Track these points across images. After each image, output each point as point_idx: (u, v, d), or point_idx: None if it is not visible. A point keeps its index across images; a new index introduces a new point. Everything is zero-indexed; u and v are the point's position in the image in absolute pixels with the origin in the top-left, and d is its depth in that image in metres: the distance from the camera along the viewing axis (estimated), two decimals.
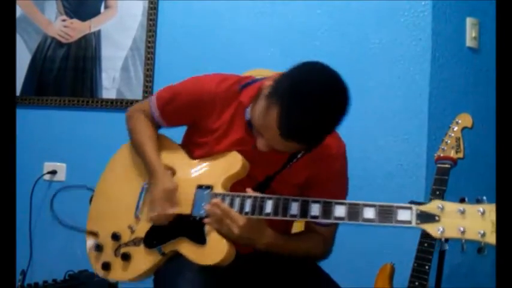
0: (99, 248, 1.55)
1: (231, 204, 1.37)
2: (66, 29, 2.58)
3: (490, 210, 1.10)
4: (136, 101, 2.44)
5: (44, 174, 2.55)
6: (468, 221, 1.11)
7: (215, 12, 2.36)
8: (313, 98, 1.23)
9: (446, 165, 1.61)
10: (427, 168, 2.02)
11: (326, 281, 1.49)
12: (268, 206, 1.33)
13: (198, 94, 1.50)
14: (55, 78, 2.59)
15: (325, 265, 1.57)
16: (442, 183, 1.59)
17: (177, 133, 1.63)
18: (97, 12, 2.54)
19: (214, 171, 1.46)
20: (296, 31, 2.24)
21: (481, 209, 1.11)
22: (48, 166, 2.56)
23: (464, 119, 1.65)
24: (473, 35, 2.20)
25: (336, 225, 1.53)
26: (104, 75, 2.51)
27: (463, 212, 1.12)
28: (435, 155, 1.66)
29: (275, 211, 1.32)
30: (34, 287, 2.00)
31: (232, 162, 1.44)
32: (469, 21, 2.18)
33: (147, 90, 2.43)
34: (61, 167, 2.55)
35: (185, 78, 1.58)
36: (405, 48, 2.09)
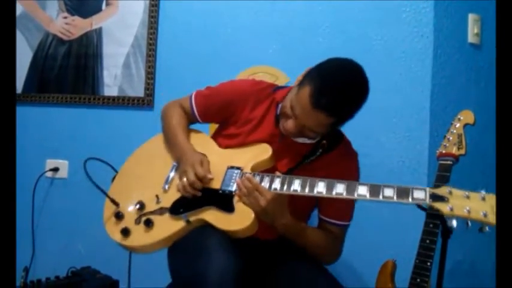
0: (119, 215, 1.56)
1: (261, 181, 1.46)
2: (67, 26, 2.58)
3: (489, 197, 1.26)
4: (138, 98, 2.44)
5: (46, 172, 2.55)
6: (473, 203, 1.26)
7: (216, 10, 2.35)
8: (340, 78, 1.42)
9: (448, 162, 1.61)
10: (429, 164, 2.01)
11: (331, 279, 1.51)
12: (297, 183, 1.42)
13: (235, 91, 1.63)
14: (57, 76, 2.60)
15: None
16: (444, 179, 1.58)
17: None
18: (98, 10, 2.53)
19: (244, 156, 1.55)
20: (297, 28, 2.24)
21: (482, 195, 1.26)
22: (50, 163, 2.56)
23: (466, 116, 1.64)
24: (475, 31, 2.19)
25: (347, 227, 1.61)
26: (105, 73, 2.51)
27: (468, 197, 1.27)
28: (437, 151, 1.65)
29: (303, 187, 1.41)
30: (37, 283, 2.00)
31: (262, 151, 1.55)
32: (471, 17, 2.18)
33: (149, 88, 2.43)
34: (63, 164, 2.56)
35: (221, 82, 1.70)
36: (407, 44, 2.08)
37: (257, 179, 1.47)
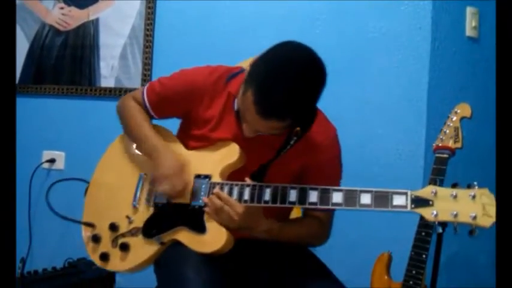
0: (96, 239, 1.55)
1: (230, 193, 1.39)
2: (64, 17, 2.56)
3: (480, 194, 1.15)
4: (135, 89, 2.42)
5: (43, 163, 2.55)
6: (460, 205, 1.16)
7: (214, 1, 2.34)
8: (284, 72, 1.25)
9: (445, 155, 1.62)
10: (425, 157, 2.02)
11: (323, 270, 1.50)
12: (267, 194, 1.35)
13: (187, 87, 1.51)
14: (53, 67, 2.58)
15: (323, 254, 1.58)
16: (440, 172, 1.59)
17: (170, 126, 1.64)
18: (95, 0, 2.52)
19: (211, 160, 1.47)
20: (295, 19, 2.23)
21: (472, 193, 1.16)
22: (47, 154, 2.56)
23: (463, 109, 1.65)
24: (473, 24, 2.19)
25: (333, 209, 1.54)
26: (102, 64, 2.50)
27: (455, 197, 1.17)
28: (433, 144, 1.66)
29: (274, 199, 1.34)
30: (34, 274, 2.00)
31: (230, 152, 1.46)
32: (469, 10, 2.17)
33: (146, 79, 2.42)
34: (60, 156, 2.55)
35: (176, 71, 1.59)
36: (405, 37, 2.08)
37: (225, 190, 1.39)
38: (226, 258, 1.41)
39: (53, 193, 2.52)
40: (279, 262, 1.49)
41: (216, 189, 1.40)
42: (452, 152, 1.62)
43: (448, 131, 1.64)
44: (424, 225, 1.61)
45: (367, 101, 2.11)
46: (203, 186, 1.44)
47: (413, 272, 1.61)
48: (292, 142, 1.43)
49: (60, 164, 2.55)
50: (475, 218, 1.14)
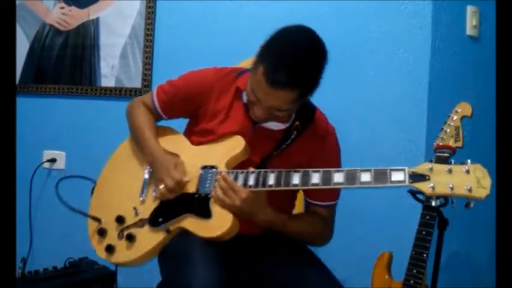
0: (102, 232, 1.56)
1: (236, 179, 1.43)
2: (64, 16, 2.57)
3: (474, 168, 1.20)
4: (135, 89, 2.43)
5: (44, 162, 2.55)
6: (456, 178, 1.20)
7: (214, 1, 2.34)
8: (290, 47, 1.37)
9: (445, 154, 1.61)
10: (426, 157, 2.02)
11: (323, 270, 1.50)
12: (271, 178, 1.39)
13: (197, 86, 1.57)
14: (53, 67, 2.58)
15: (324, 253, 1.59)
16: None
17: (176, 126, 1.65)
18: (95, 0, 2.52)
19: (217, 153, 1.51)
20: (296, 19, 2.21)
21: (466, 167, 1.21)
22: (48, 154, 2.56)
23: (464, 108, 1.64)
24: (474, 23, 2.19)
25: (335, 206, 1.58)
26: (102, 63, 2.50)
27: (450, 171, 1.22)
28: (434, 143, 1.65)
29: (277, 182, 1.38)
30: (35, 274, 2.00)
31: (235, 144, 1.50)
32: (469, 9, 2.17)
33: (146, 78, 2.42)
34: (60, 155, 2.56)
35: (184, 72, 1.63)
36: (405, 36, 2.08)
37: (231, 177, 1.43)
38: (229, 251, 1.43)
39: (56, 191, 2.53)
40: (277, 256, 1.51)
41: (223, 173, 1.44)
42: (453, 151, 1.61)
43: (448, 130, 1.63)
44: (425, 224, 1.61)
45: (368, 101, 2.11)
46: (209, 175, 1.48)
47: (414, 271, 1.61)
48: (293, 136, 1.49)
49: (60, 164, 2.55)
50: (470, 190, 1.17)
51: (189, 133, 1.62)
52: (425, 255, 1.60)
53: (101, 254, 1.56)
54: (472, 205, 1.18)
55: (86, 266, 2.08)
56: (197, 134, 1.58)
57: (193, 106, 1.57)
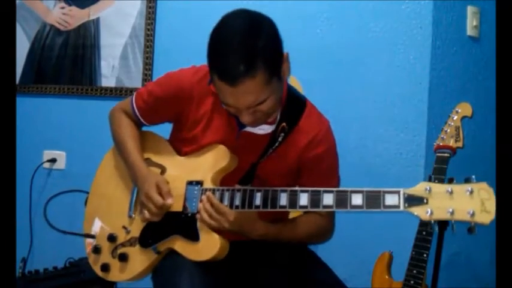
0: (97, 250, 1.57)
1: (221, 199, 1.38)
2: (64, 16, 2.57)
3: (478, 188, 1.08)
4: (136, 89, 2.42)
5: (44, 163, 2.55)
6: (457, 202, 1.09)
7: (214, 0, 2.34)
8: (224, 39, 1.29)
9: (446, 154, 1.61)
10: (426, 157, 2.02)
11: (322, 267, 1.50)
12: (258, 199, 1.34)
13: (174, 90, 1.50)
14: (54, 67, 2.59)
15: (323, 253, 1.58)
16: (441, 172, 1.59)
17: (163, 131, 1.64)
18: (96, 0, 2.52)
19: (203, 166, 1.46)
20: (296, 19, 2.23)
21: (469, 188, 1.09)
22: (48, 154, 2.56)
23: (464, 108, 1.64)
24: (474, 23, 2.18)
25: None
26: (103, 63, 2.50)
27: (451, 193, 1.11)
28: (434, 144, 1.65)
29: (264, 203, 1.34)
30: (35, 274, 2.01)
31: (220, 157, 1.45)
32: (470, 9, 2.17)
33: (147, 79, 2.42)
34: (60, 155, 2.56)
35: (163, 74, 1.59)
36: (405, 36, 2.08)
37: (217, 196, 1.38)
38: (223, 262, 1.41)
39: (54, 191, 2.53)
40: (277, 261, 1.49)
41: (208, 193, 1.39)
42: (453, 151, 1.62)
43: (449, 131, 1.63)
44: (425, 224, 1.61)
45: (368, 100, 2.10)
46: (195, 192, 1.43)
47: (414, 271, 1.61)
48: (280, 139, 1.43)
49: (61, 164, 2.55)
50: (473, 214, 1.07)
51: (173, 139, 1.58)
52: (425, 255, 1.60)
53: (98, 273, 1.57)
54: (475, 231, 1.08)
55: (86, 266, 2.07)
56: (182, 142, 1.53)
57: (173, 112, 1.52)
